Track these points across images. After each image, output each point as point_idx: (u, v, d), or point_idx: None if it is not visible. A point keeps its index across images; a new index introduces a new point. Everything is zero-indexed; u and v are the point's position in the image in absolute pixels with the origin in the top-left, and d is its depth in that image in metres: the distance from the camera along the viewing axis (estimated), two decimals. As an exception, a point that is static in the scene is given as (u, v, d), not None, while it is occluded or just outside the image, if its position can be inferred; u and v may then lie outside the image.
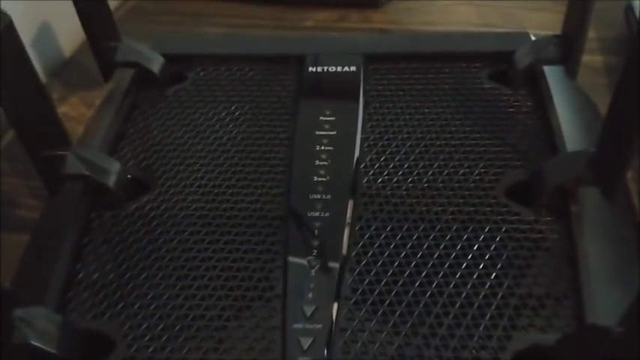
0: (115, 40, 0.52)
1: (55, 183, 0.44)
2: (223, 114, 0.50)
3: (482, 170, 0.44)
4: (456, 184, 0.43)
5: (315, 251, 0.39)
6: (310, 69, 0.52)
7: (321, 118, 0.48)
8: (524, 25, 0.68)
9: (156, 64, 0.52)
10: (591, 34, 0.62)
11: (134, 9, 0.76)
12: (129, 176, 0.45)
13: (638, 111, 0.35)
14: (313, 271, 0.38)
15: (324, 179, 0.43)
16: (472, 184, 0.43)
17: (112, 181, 0.43)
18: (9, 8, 0.54)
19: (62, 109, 0.60)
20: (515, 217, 0.41)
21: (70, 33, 0.68)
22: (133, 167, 0.46)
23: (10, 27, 0.38)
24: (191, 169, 0.46)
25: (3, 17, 0.37)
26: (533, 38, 0.53)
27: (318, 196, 0.42)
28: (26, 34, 0.63)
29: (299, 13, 0.73)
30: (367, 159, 0.45)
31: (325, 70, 0.52)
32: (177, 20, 0.73)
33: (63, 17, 0.65)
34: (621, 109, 0.37)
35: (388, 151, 0.46)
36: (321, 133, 0.47)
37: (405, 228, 0.40)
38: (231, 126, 0.49)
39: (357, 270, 0.38)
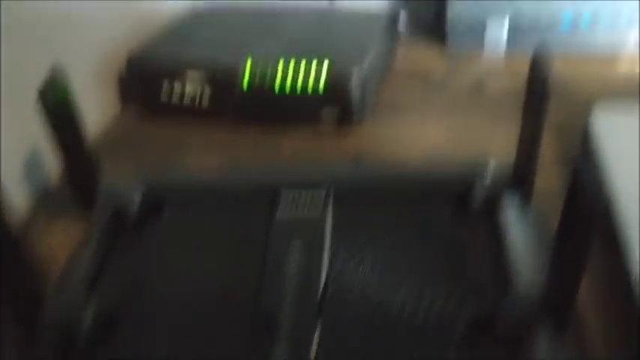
0: (94, 180, 0.55)
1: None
2: (195, 254, 0.52)
3: (443, 304, 0.45)
4: (420, 319, 0.45)
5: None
6: (280, 205, 0.54)
7: (289, 255, 0.50)
8: (493, 146, 0.72)
9: (133, 204, 0.55)
10: (553, 155, 0.66)
11: (121, 132, 0.80)
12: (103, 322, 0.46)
13: (580, 245, 0.37)
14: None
15: (290, 316, 0.45)
16: (433, 319, 0.45)
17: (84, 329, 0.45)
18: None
19: (46, 240, 0.62)
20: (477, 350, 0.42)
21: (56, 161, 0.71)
22: (108, 311, 0.47)
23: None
24: (164, 311, 0.47)
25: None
26: (487, 170, 0.56)
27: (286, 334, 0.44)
28: (14, 162, 0.66)
29: (276, 140, 0.76)
30: (332, 294, 0.47)
31: (294, 205, 0.54)
32: (158, 149, 0.77)
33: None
34: (564, 245, 0.39)
35: (354, 288, 0.47)
36: (289, 270, 0.49)
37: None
38: (202, 267, 0.51)
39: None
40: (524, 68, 0.50)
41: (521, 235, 0.49)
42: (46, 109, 0.49)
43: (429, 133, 0.76)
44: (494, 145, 0.71)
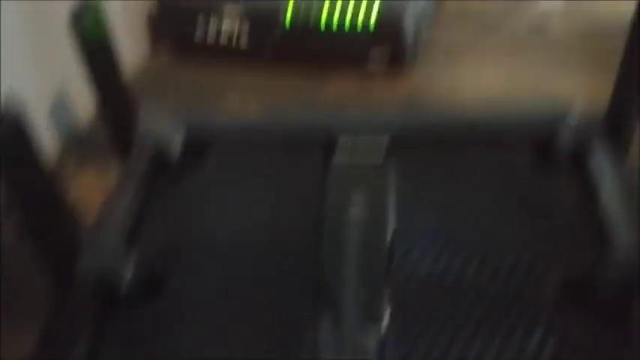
0: (132, 120, 0.50)
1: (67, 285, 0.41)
2: (244, 202, 0.47)
3: (531, 265, 0.40)
4: (501, 282, 0.40)
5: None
6: (336, 157, 0.48)
7: (350, 210, 0.44)
8: (556, 88, 0.66)
9: (175, 146, 0.50)
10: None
11: (154, 75, 0.75)
12: (145, 274, 0.42)
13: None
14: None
15: (355, 278, 0.40)
16: (518, 281, 0.39)
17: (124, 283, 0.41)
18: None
19: (76, 184, 0.58)
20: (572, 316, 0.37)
21: (83, 103, 0.66)
22: (150, 262, 0.43)
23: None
24: (212, 263, 0.43)
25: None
26: (572, 115, 0.50)
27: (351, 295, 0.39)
28: (42, 105, 0.61)
29: (319, 83, 0.70)
30: (400, 254, 0.42)
31: (352, 158, 0.48)
32: (196, 90, 0.72)
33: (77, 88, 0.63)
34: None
35: (422, 246, 0.42)
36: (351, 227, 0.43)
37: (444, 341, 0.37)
38: (253, 216, 0.46)
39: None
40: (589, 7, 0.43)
41: (616, 189, 0.43)
42: (79, 35, 0.44)
43: (488, 72, 0.70)
44: (562, 86, 0.66)
